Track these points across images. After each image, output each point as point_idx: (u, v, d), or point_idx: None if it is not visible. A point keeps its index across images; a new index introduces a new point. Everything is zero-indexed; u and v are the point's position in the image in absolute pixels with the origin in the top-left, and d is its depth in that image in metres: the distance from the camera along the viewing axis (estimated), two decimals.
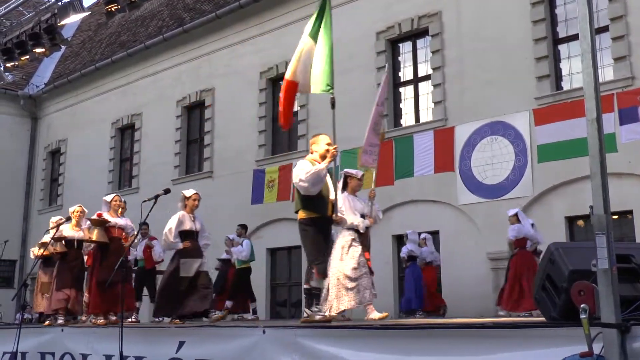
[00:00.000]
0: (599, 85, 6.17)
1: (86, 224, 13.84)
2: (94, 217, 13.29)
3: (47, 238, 14.83)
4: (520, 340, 6.48)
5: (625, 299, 5.95)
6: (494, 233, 16.38)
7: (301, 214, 9.66)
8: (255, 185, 20.93)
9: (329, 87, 11.58)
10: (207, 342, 9.82)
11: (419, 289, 17.06)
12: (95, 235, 13.14)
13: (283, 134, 22.24)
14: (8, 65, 19.16)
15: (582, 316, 5.65)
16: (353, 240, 11.43)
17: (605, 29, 15.77)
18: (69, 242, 14.12)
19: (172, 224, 12.27)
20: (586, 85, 6.13)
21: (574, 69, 16.28)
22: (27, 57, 18.51)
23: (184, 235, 12.31)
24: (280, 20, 22.39)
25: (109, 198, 13.68)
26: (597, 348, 5.66)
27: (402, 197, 18.26)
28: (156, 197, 11.43)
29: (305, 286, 9.65)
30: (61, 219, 14.66)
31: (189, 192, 12.77)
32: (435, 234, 17.78)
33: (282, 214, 20.15)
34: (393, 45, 19.82)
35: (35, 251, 15.41)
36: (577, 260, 6.44)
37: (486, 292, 16.03)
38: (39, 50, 18.12)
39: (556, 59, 16.80)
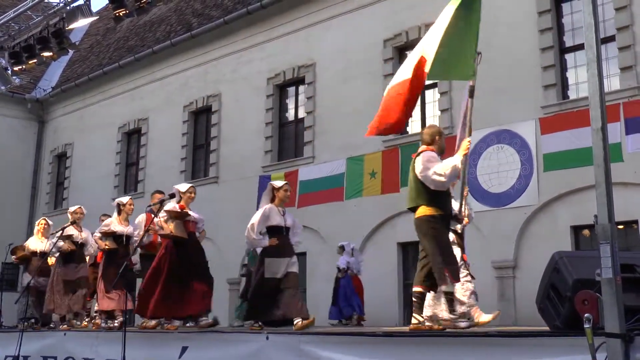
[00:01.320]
0: (605, 94, 6.17)
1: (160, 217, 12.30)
2: (173, 208, 12.07)
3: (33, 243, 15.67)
4: (524, 349, 6.48)
5: (629, 309, 5.96)
6: (500, 241, 16.36)
7: (425, 211, 8.76)
8: (261, 191, 20.91)
9: (472, 74, 10.23)
10: (211, 348, 9.81)
11: (355, 297, 17.60)
12: (173, 228, 11.99)
13: (289, 141, 22.25)
14: (16, 68, 19.23)
15: (586, 326, 5.65)
16: (452, 242, 10.30)
17: (611, 38, 15.75)
18: (117, 238, 13.38)
19: (255, 219, 11.36)
20: (591, 94, 6.14)
21: (580, 78, 16.26)
22: (35, 60, 18.57)
23: (271, 231, 11.35)
24: (287, 27, 22.42)
25: (183, 188, 12.41)
26: (600, 358, 5.66)
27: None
28: (161, 201, 11.47)
29: (417, 289, 8.71)
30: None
31: (279, 183, 11.73)
32: None
33: None
34: (400, 53, 19.81)
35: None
36: (582, 270, 6.44)
37: (491, 301, 15.98)
38: (46, 54, 18.18)
39: (563, 68, 16.79)
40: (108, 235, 13.32)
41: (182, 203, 12.17)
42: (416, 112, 19.32)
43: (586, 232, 15.24)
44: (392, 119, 9.11)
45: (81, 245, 14.62)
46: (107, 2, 17.03)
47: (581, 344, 5.72)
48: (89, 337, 12.46)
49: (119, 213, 13.47)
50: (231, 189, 22.52)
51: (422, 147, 9.25)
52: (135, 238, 13.23)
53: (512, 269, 16.14)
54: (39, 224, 15.96)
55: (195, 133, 25.44)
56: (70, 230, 14.38)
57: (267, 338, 9.00)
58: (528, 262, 15.71)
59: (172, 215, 12.02)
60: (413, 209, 8.93)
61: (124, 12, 16.70)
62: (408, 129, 19.31)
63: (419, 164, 8.88)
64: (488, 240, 16.56)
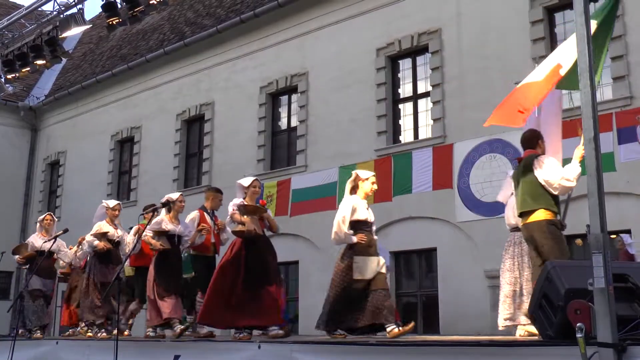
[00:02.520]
0: (597, 104, 6.18)
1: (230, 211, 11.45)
2: (247, 203, 11.18)
3: (37, 241, 15.05)
4: (516, 358, 6.47)
5: (622, 319, 5.96)
6: (492, 250, 16.31)
7: (546, 215, 8.65)
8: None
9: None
10: (203, 356, 9.81)
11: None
12: (247, 225, 10.93)
13: (282, 150, 22.26)
14: (9, 76, 19.19)
15: (579, 335, 5.65)
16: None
17: None
18: (170, 237, 12.39)
19: (345, 211, 10.34)
20: (584, 104, 6.16)
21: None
22: (28, 68, 18.55)
23: (357, 226, 10.42)
24: (280, 36, 22.45)
25: (246, 182, 11.51)
26: None
27: (400, 213, 18.25)
28: (154, 210, 11.47)
29: None
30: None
31: (365, 174, 10.71)
32: (432, 251, 17.77)
33: (280, 229, 20.12)
34: (393, 62, 19.84)
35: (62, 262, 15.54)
36: (574, 279, 6.45)
37: (483, 310, 15.99)
38: (40, 62, 18.16)
39: None
40: (161, 234, 12.33)
41: (247, 199, 11.37)
42: (408, 121, 19.35)
43: (579, 241, 15.22)
44: (513, 112, 9.10)
45: (117, 244, 13.81)
46: (101, 10, 17.03)
47: (574, 353, 5.73)
48: (81, 345, 12.45)
49: (169, 211, 12.50)
50: (224, 197, 22.47)
51: (528, 151, 9.24)
52: (186, 238, 12.39)
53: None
54: (45, 220, 15.28)
55: (188, 141, 25.44)
56: (106, 228, 13.63)
57: (259, 347, 8.99)
58: None
59: (249, 210, 11.02)
60: (524, 213, 8.84)
61: (117, 20, 16.69)
62: (400, 138, 19.33)
63: (543, 168, 8.79)
64: (480, 249, 16.58)
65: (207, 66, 24.71)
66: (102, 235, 13.53)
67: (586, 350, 5.61)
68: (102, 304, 13.17)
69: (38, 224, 15.52)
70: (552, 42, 16.90)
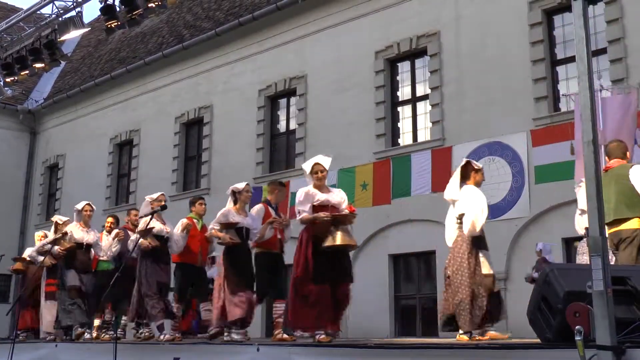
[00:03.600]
0: (596, 107, 6.18)
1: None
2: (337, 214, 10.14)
3: (77, 232, 14.03)
4: None
5: (620, 321, 5.96)
6: (491, 253, 16.30)
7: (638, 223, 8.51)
8: (253, 202, 20.85)
9: None
10: (202, 359, 9.79)
11: None
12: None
13: (281, 153, 22.27)
14: (8, 79, 19.20)
15: (577, 338, 5.65)
16: None
17: (603, 51, 15.82)
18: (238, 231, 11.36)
19: (483, 203, 10.20)
20: (583, 107, 6.15)
21: (571, 91, 16.28)
22: (27, 72, 18.54)
23: None
24: (279, 39, 22.45)
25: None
26: None
27: (399, 216, 18.25)
28: (152, 213, 11.46)
29: None
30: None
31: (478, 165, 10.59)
32: (431, 254, 17.74)
33: None
34: (392, 65, 19.86)
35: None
36: (573, 282, 6.44)
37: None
38: (38, 65, 18.16)
39: (554, 80, 16.84)
40: (230, 227, 11.27)
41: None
42: (407, 123, 19.37)
43: (577, 244, 15.24)
44: None
45: (166, 240, 12.60)
46: (99, 13, 17.02)
47: (572, 356, 5.72)
48: (80, 348, 12.45)
49: (235, 202, 11.61)
50: (223, 200, 22.25)
51: (617, 160, 8.99)
52: (255, 231, 11.31)
53: (503, 281, 16.12)
54: (84, 210, 14.12)
55: (186, 144, 25.44)
56: (153, 223, 12.26)
57: (258, 349, 8.98)
58: (519, 274, 15.70)
59: (339, 219, 10.03)
60: (616, 221, 8.64)
61: (116, 23, 16.69)
62: (399, 140, 19.34)
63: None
64: None
65: (206, 69, 24.72)
66: (147, 232, 12.23)
67: (585, 353, 5.61)
68: (157, 305, 12.16)
69: (76, 214, 14.31)
70: (551, 45, 16.94)
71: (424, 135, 18.89)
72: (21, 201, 32.03)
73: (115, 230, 13.53)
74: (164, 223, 12.67)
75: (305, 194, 10.14)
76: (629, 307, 6.50)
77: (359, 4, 20.46)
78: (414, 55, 19.48)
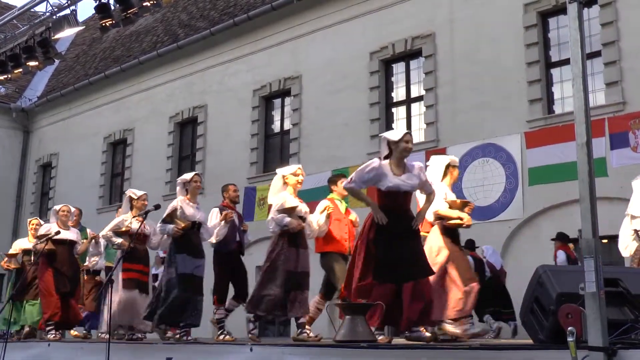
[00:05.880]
0: (590, 109, 6.20)
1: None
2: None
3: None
4: None
5: (612, 323, 5.98)
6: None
7: None
8: (246, 202, 20.85)
9: None
10: (195, 359, 9.79)
11: None
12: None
13: (275, 153, 22.26)
14: (1, 77, 19.12)
15: (570, 339, 5.67)
16: None
17: (597, 53, 15.84)
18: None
19: None
20: (577, 109, 6.17)
21: (566, 93, 16.34)
22: (21, 70, 18.48)
23: None
24: (273, 39, 22.45)
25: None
26: None
27: None
28: (146, 212, 11.40)
29: None
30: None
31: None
32: None
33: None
34: (386, 66, 19.87)
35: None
36: (565, 284, 6.47)
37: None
38: (32, 63, 18.10)
39: (548, 82, 16.86)
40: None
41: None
42: (401, 124, 19.37)
43: (571, 246, 15.26)
44: None
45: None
46: (94, 12, 17.00)
47: (564, 357, 5.74)
48: (73, 347, 12.43)
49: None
50: (217, 200, 22.29)
51: None
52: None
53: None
54: (194, 180, 12.24)
55: (180, 144, 25.43)
56: (292, 202, 10.76)
57: (251, 350, 8.98)
58: (512, 276, 15.71)
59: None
60: None
61: (111, 22, 16.65)
62: None
63: None
64: None
65: (201, 69, 24.71)
66: (292, 210, 10.59)
67: (577, 354, 5.63)
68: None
69: (181, 187, 12.20)
70: (546, 47, 16.96)
71: (418, 136, 18.87)
72: (14, 200, 31.96)
73: (225, 211, 11.84)
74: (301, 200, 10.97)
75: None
76: (621, 309, 6.53)
77: (354, 5, 20.46)
78: (408, 56, 19.50)
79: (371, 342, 8.34)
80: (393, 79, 19.89)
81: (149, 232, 12.54)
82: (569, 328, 5.73)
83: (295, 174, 10.92)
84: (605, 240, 14.52)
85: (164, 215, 11.47)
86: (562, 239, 15.35)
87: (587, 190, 6.00)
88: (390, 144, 8.83)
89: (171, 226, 11.35)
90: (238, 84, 23.33)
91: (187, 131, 25.40)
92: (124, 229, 12.31)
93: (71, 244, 13.78)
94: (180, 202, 11.55)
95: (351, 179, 8.91)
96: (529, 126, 16.42)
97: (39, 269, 13.85)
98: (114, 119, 27.75)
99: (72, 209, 14.45)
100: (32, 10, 18.37)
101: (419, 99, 19.04)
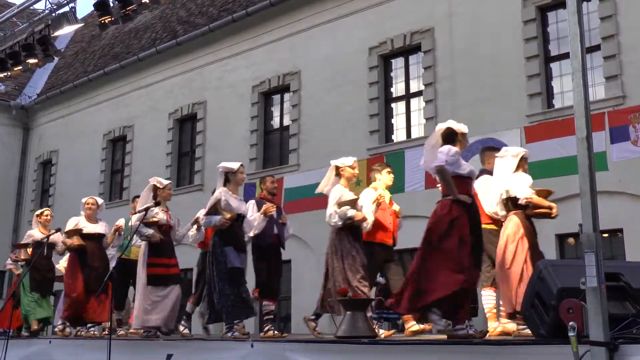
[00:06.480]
0: (589, 103, 6.19)
1: None
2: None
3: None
4: (509, 357, 6.49)
5: (614, 317, 5.97)
6: None
7: None
8: (246, 198, 20.80)
9: None
10: (196, 355, 9.79)
11: None
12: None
13: (274, 149, 22.25)
14: (1, 75, 19.14)
15: (571, 334, 5.67)
16: None
17: (597, 47, 15.82)
18: None
19: None
20: (576, 103, 6.16)
21: (565, 87, 16.32)
22: (20, 67, 18.49)
23: None
24: (273, 35, 22.43)
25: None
26: None
27: None
28: (146, 209, 11.39)
29: None
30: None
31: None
32: None
33: None
34: (385, 61, 19.85)
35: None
36: (566, 278, 6.46)
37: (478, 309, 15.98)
38: (31, 61, 18.10)
39: (548, 77, 16.84)
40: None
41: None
42: (401, 120, 19.36)
43: (571, 240, 15.26)
44: None
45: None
46: (93, 9, 17.00)
47: (566, 352, 5.74)
48: (74, 344, 12.42)
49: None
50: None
51: None
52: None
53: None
54: (239, 171, 12.14)
55: (180, 140, 25.42)
56: (348, 195, 10.69)
57: (252, 346, 8.98)
58: None
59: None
60: None
61: (110, 19, 16.66)
62: (393, 137, 19.34)
63: None
64: None
65: (200, 65, 24.70)
66: (354, 203, 10.52)
67: (578, 348, 5.62)
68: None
69: (222, 177, 11.84)
70: (545, 42, 16.94)
71: (417, 131, 18.88)
72: (14, 197, 31.94)
73: (265, 205, 11.64)
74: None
75: None
76: (622, 303, 6.52)
77: (353, 0, 20.43)
78: (407, 51, 19.48)
79: (372, 337, 8.35)
80: (392, 74, 19.88)
81: (174, 224, 12.35)
82: (570, 323, 5.73)
83: (352, 167, 10.82)
84: (605, 235, 14.55)
85: (208, 206, 10.97)
86: None
87: (588, 184, 5.99)
88: (460, 135, 9.02)
89: (218, 217, 10.70)
90: (237, 80, 23.32)
91: (186, 128, 25.39)
92: (151, 220, 11.90)
93: (100, 237, 13.36)
94: (224, 193, 11.07)
95: (443, 160, 8.66)
96: (529, 120, 16.40)
97: (67, 266, 13.48)
98: (114, 116, 27.74)
99: (100, 201, 14.09)
100: (31, 7, 18.36)
101: (418, 94, 19.03)
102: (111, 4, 16.50)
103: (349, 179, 10.85)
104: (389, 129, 19.48)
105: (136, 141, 26.67)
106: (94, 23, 26.05)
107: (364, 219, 10.54)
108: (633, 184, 14.70)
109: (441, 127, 9.10)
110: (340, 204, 10.34)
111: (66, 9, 17.15)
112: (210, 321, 11.07)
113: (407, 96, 19.42)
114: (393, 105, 19.69)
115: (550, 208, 9.53)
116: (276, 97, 22.70)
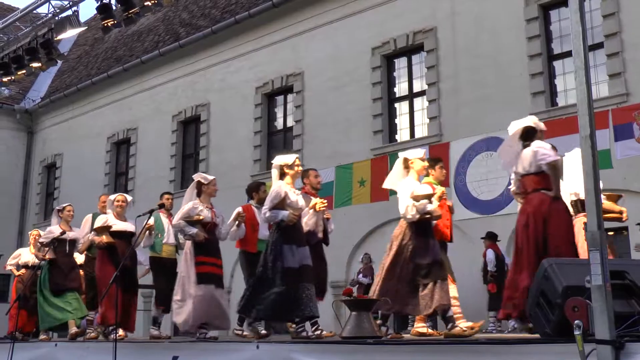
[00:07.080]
0: (593, 101, 6.17)
1: None
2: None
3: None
4: (514, 356, 6.47)
5: (619, 315, 5.95)
6: None
7: None
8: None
9: None
10: (201, 357, 9.78)
11: None
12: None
13: (278, 150, 22.23)
14: (5, 79, 19.18)
15: (576, 332, 5.65)
16: None
17: (600, 45, 15.82)
18: None
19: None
20: (580, 102, 6.15)
21: (568, 85, 16.31)
22: (24, 71, 18.52)
23: None
24: (275, 36, 22.45)
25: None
26: None
27: (397, 212, 18.18)
28: (150, 211, 11.32)
29: None
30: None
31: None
32: None
33: None
34: (388, 61, 19.86)
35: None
36: (571, 277, 6.44)
37: (480, 308, 15.98)
38: (35, 64, 18.14)
39: (551, 75, 16.85)
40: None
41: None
42: (404, 120, 19.37)
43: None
44: None
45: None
46: (96, 12, 17.02)
47: (571, 350, 5.72)
48: (79, 347, 12.42)
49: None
50: (220, 198, 22.21)
51: None
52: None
53: None
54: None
55: (184, 142, 25.44)
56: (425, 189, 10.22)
57: (258, 347, 8.97)
58: None
59: None
60: None
61: (112, 22, 16.69)
62: (396, 137, 19.34)
63: None
64: (477, 247, 16.56)
65: (203, 67, 24.72)
66: (430, 197, 10.07)
67: (584, 347, 5.61)
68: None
69: (278, 171, 10.28)
70: (548, 40, 16.94)
71: (421, 131, 18.89)
72: (19, 201, 32.02)
73: (314, 201, 10.76)
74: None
75: None
76: (628, 301, 6.50)
77: (355, 1, 20.45)
78: (410, 51, 19.49)
79: (377, 338, 8.34)
80: (395, 74, 19.88)
81: (219, 222, 11.67)
82: (576, 321, 5.71)
83: (422, 159, 10.31)
84: (610, 233, 14.51)
85: (269, 203, 9.89)
86: (491, 238, 16.18)
87: (592, 182, 5.98)
88: (539, 133, 9.08)
89: (286, 212, 9.79)
90: (240, 81, 23.33)
91: (190, 129, 25.41)
92: (195, 217, 11.22)
93: (130, 236, 12.66)
94: (285, 187, 10.03)
95: (554, 154, 8.71)
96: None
97: (98, 266, 12.77)
98: (117, 119, 27.77)
99: (129, 198, 13.64)
100: (34, 11, 18.40)
101: (422, 93, 19.03)
102: (114, 7, 16.53)
103: (419, 171, 10.34)
104: (392, 129, 19.48)
105: (140, 144, 26.69)
106: (97, 26, 26.05)
107: (440, 215, 10.19)
108: (637, 181, 14.69)
109: (518, 125, 9.07)
110: (417, 198, 9.89)
111: (69, 12, 17.17)
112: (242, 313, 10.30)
113: (411, 96, 19.42)
114: (396, 105, 19.70)
115: (620, 212, 9.44)
116: (279, 98, 22.72)
